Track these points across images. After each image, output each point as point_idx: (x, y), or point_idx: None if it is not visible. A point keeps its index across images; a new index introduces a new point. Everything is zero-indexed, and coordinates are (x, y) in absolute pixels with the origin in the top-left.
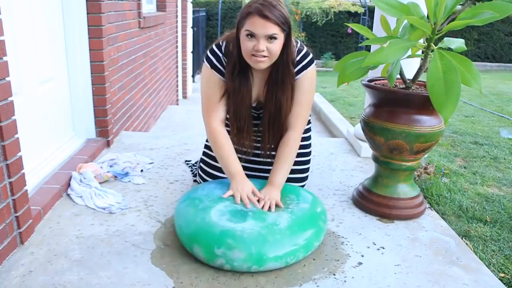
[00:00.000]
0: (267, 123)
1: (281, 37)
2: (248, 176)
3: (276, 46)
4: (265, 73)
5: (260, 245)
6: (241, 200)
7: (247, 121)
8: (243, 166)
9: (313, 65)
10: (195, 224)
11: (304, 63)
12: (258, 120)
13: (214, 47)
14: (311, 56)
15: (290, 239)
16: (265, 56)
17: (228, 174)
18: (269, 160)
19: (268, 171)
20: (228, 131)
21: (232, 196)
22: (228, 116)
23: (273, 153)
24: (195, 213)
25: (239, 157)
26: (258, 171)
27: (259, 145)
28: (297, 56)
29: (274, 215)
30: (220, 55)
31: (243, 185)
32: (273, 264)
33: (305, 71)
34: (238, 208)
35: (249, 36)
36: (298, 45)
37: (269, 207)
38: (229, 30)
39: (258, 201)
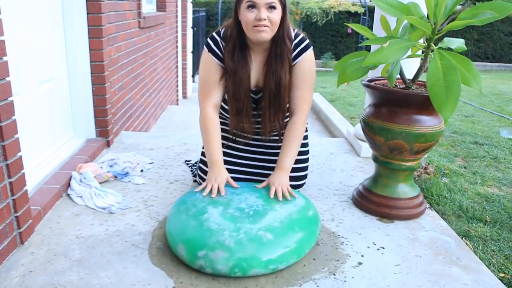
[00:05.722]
0: (267, 101)
1: (279, 8)
2: (249, 165)
3: (276, 16)
4: (263, 55)
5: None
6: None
7: (245, 103)
8: (243, 149)
9: (310, 48)
10: (183, 224)
11: (302, 46)
12: (257, 104)
13: (213, 33)
14: (307, 40)
15: (279, 243)
16: (266, 26)
17: (208, 161)
18: (270, 144)
19: (267, 153)
20: (224, 115)
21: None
22: (227, 98)
23: (274, 132)
24: (186, 216)
25: (239, 140)
26: (260, 154)
27: (259, 127)
28: (295, 39)
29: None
30: (218, 39)
31: (219, 174)
32: (260, 270)
33: (304, 53)
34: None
35: (250, 8)
36: (295, 30)
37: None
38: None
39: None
